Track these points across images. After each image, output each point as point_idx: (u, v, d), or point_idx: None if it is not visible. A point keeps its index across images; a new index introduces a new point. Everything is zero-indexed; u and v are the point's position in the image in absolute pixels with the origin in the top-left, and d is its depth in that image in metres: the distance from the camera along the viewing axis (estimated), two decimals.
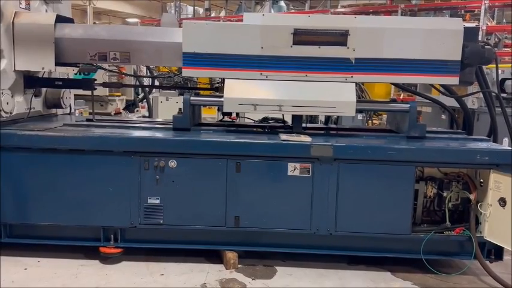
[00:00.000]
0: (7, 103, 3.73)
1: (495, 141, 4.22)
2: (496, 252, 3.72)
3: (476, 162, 3.59)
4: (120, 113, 8.89)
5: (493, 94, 4.31)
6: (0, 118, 3.73)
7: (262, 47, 3.78)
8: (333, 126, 6.35)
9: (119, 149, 3.62)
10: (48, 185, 3.65)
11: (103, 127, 4.05)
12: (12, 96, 3.82)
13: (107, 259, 3.76)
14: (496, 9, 13.39)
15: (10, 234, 3.79)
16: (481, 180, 3.73)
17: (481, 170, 3.72)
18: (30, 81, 4.17)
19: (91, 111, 4.82)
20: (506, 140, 5.93)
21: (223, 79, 3.91)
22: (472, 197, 3.68)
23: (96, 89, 4.40)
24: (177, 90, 8.75)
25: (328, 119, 7.10)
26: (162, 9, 20.39)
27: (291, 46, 3.77)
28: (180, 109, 3.98)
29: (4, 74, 3.81)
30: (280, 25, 3.78)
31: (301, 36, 3.77)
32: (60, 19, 4.00)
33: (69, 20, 4.29)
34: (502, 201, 3.48)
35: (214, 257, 3.86)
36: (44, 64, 3.91)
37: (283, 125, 4.33)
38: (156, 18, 20.32)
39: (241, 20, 3.88)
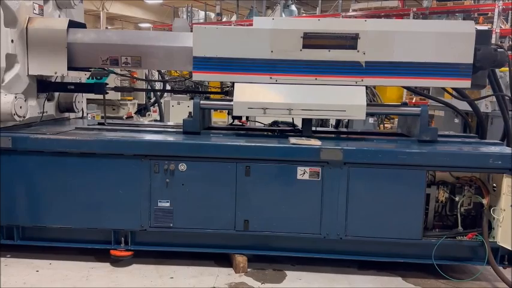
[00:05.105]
0: (20, 107, 3.78)
1: (508, 145, 4.16)
2: (509, 258, 3.65)
3: (489, 166, 3.54)
4: (132, 117, 8.95)
5: (507, 98, 4.26)
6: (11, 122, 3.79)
7: (272, 51, 3.79)
8: (344, 130, 6.31)
9: (129, 153, 3.65)
10: (60, 187, 3.69)
11: (114, 131, 4.10)
12: (25, 101, 3.88)
13: (117, 262, 3.79)
14: (510, 11, 13.21)
15: (23, 237, 3.84)
16: (494, 184, 3.68)
17: (493, 175, 3.66)
18: (43, 86, 4.24)
19: (103, 115, 4.87)
20: None
21: (233, 83, 3.93)
22: (484, 201, 3.63)
23: (108, 93, 4.47)
24: (188, 95, 8.79)
25: (338, 122, 7.06)
26: (174, 15, 20.53)
27: (301, 50, 3.78)
28: (190, 113, 4.00)
29: (18, 79, 3.87)
30: (290, 29, 3.79)
31: (310, 40, 3.77)
32: (72, 24, 4.07)
33: (82, 25, 4.35)
34: None
35: (224, 260, 3.87)
36: (56, 69, 3.98)
37: (293, 128, 4.33)
38: (168, 23, 20.46)
39: (252, 25, 3.90)
